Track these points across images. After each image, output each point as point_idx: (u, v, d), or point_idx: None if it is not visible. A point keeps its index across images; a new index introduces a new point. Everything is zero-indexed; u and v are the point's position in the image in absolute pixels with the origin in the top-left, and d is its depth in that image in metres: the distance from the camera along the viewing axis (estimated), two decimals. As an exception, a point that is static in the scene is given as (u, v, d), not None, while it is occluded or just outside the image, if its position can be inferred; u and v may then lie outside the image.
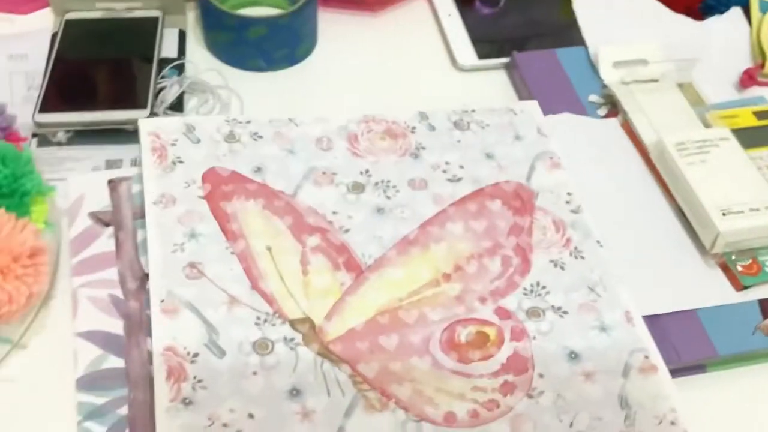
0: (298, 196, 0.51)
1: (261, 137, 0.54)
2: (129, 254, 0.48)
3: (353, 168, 0.53)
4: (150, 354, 0.44)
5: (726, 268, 0.52)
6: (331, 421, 0.41)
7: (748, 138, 0.58)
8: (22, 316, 0.46)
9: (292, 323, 0.45)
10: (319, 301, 0.46)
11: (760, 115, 0.61)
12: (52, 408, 0.43)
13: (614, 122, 0.61)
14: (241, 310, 0.45)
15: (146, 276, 0.47)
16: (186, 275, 0.46)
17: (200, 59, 0.63)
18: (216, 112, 0.59)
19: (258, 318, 0.45)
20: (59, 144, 0.55)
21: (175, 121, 0.54)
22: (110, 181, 0.51)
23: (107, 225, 0.50)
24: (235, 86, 0.61)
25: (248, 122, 0.54)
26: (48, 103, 0.56)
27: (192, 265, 0.46)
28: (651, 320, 0.48)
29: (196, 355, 0.43)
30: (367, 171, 0.53)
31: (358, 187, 0.52)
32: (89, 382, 0.43)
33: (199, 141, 0.53)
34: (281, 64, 0.64)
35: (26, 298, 0.45)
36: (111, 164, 0.55)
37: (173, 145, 0.52)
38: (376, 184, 0.53)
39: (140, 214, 0.49)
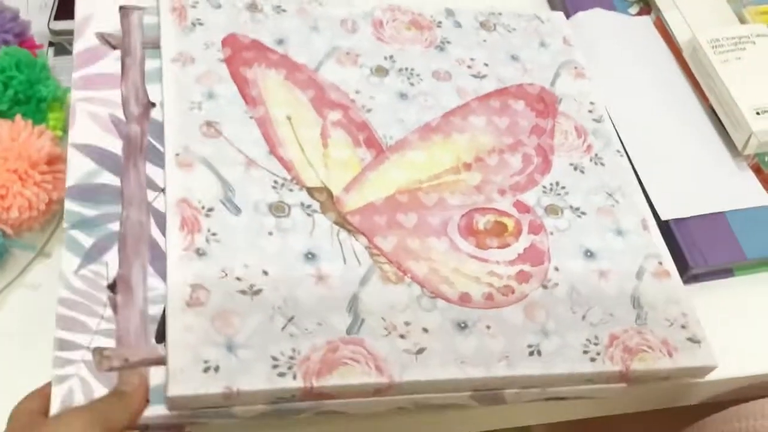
0: (321, 72, 0.49)
1: (284, 11, 0.52)
2: (135, 80, 0.46)
3: (377, 52, 0.52)
4: (148, 178, 0.42)
5: (759, 170, 0.51)
6: (345, 287, 0.40)
7: (786, 34, 0.56)
8: (43, 223, 0.45)
9: (310, 191, 0.44)
10: (338, 172, 0.45)
11: (800, 10, 0.59)
12: None
13: (646, 20, 0.59)
14: (257, 172, 0.43)
15: (151, 104, 0.45)
16: (203, 133, 0.44)
17: None
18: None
19: (275, 182, 0.43)
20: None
21: (196, -16, 0.51)
22: (121, 8, 0.49)
23: (114, 48, 0.47)
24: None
25: (269, -5, 0.52)
26: (63, 10, 0.54)
27: (209, 123, 0.45)
28: (678, 223, 0.48)
29: (210, 209, 0.41)
30: (391, 57, 0.52)
31: (381, 71, 0.51)
32: (80, 192, 0.41)
33: (219, 6, 0.50)
34: None
35: (45, 204, 0.44)
36: None
37: (193, 7, 0.50)
38: (400, 70, 0.51)
39: (150, 45, 0.47)
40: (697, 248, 0.47)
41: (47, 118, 0.48)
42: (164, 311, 0.38)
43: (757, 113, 0.51)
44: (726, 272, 0.48)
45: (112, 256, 0.40)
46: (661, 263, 0.47)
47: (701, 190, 0.50)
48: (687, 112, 0.54)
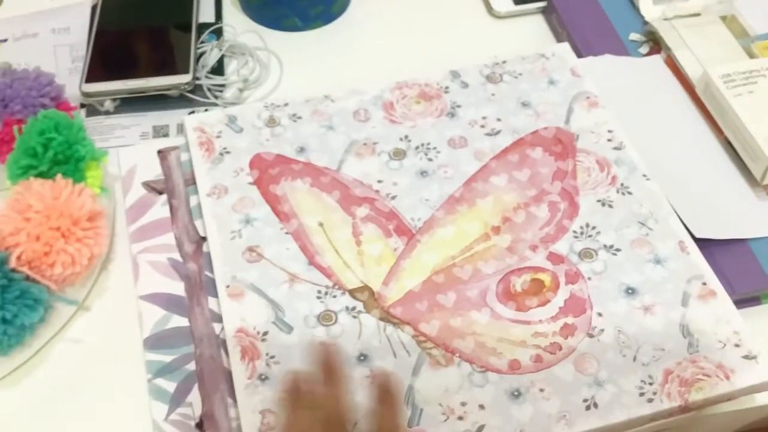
0: (343, 170, 0.53)
1: (300, 118, 0.55)
2: (183, 219, 0.51)
3: (392, 135, 0.54)
4: (212, 312, 0.46)
5: None
6: (400, 381, 0.43)
7: (796, 67, 0.57)
8: (84, 278, 0.48)
9: (352, 293, 0.47)
10: (374, 268, 0.48)
11: (807, 43, 0.59)
12: (118, 367, 0.46)
13: (657, 59, 0.60)
14: (301, 286, 0.47)
15: (202, 239, 0.49)
16: (246, 259, 0.48)
17: (237, 22, 0.65)
18: (256, 73, 0.61)
19: (319, 291, 0.47)
20: (107, 113, 0.58)
21: (217, 113, 0.56)
22: (160, 151, 0.54)
23: (160, 193, 0.52)
24: (273, 47, 0.63)
25: (286, 105, 0.56)
26: (93, 73, 0.58)
27: (251, 249, 0.49)
28: (703, 254, 0.48)
29: (265, 333, 0.45)
30: (406, 136, 0.54)
31: (399, 153, 0.54)
32: (156, 341, 0.46)
33: (242, 130, 0.55)
34: (317, 21, 0.65)
35: (88, 259, 0.46)
36: (158, 130, 0.57)
37: (218, 137, 0.54)
38: (417, 147, 0.54)
39: (191, 181, 0.52)
40: (724, 277, 0.47)
41: (85, 176, 0.50)
42: None
43: None
44: (753, 300, 0.49)
45: (194, 396, 0.44)
46: (705, 283, 0.47)
47: (726, 218, 0.51)
48: (704, 146, 0.55)
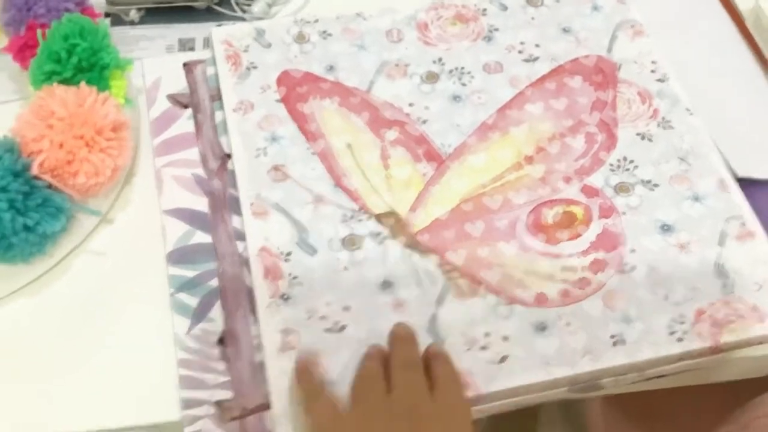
0: (373, 91, 0.51)
1: (330, 35, 0.53)
2: (208, 135, 0.49)
3: (426, 57, 0.52)
4: (236, 231, 0.46)
5: None
6: (423, 310, 0.42)
7: None
8: (107, 190, 0.47)
9: (378, 218, 0.46)
10: (402, 193, 0.47)
11: None
12: (141, 281, 0.45)
13: None
14: (327, 208, 0.46)
15: (227, 156, 0.48)
16: (272, 178, 0.47)
17: None
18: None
19: (344, 215, 0.46)
20: (132, 23, 0.56)
21: (244, 26, 0.54)
22: (185, 64, 0.52)
23: (185, 107, 0.51)
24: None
25: (316, 21, 0.54)
26: None
27: (276, 167, 0.47)
28: (744, 194, 0.46)
29: (289, 253, 0.44)
30: (440, 59, 0.52)
31: (432, 77, 0.51)
32: (179, 256, 0.45)
33: (270, 45, 0.53)
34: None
35: (111, 170, 0.45)
36: (184, 43, 0.56)
37: (245, 51, 0.52)
38: (450, 71, 0.52)
39: (217, 96, 0.50)
40: (765, 218, 0.45)
41: (110, 85, 0.48)
42: None
43: None
44: None
45: (217, 312, 0.44)
46: (744, 224, 0.45)
47: None
48: (751, 81, 0.52)
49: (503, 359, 0.41)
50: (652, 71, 0.52)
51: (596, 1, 0.55)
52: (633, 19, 0.54)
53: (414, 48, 0.53)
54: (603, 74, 0.52)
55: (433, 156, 0.48)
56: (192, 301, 0.44)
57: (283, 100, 0.50)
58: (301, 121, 0.49)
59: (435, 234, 0.45)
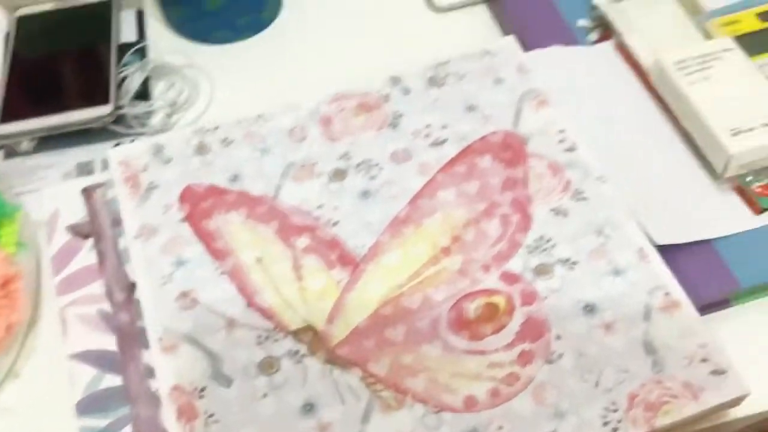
0: (280, 197, 0.49)
1: (232, 142, 0.52)
2: (112, 265, 0.47)
3: (331, 154, 0.51)
4: (148, 368, 0.43)
5: (742, 192, 0.49)
6: (349, 430, 0.41)
7: (754, 44, 0.53)
8: (6, 347, 0.45)
9: (295, 334, 0.44)
10: (318, 304, 0.45)
11: (764, 15, 0.56)
12: None
13: (608, 46, 0.57)
14: (240, 331, 0.44)
15: (133, 285, 0.46)
16: (180, 306, 0.45)
17: (163, 40, 0.60)
18: (185, 94, 0.57)
19: (259, 336, 0.44)
20: (26, 153, 0.54)
21: (142, 144, 0.52)
22: (84, 190, 0.50)
23: (87, 237, 0.49)
24: (202, 63, 0.59)
25: (216, 128, 0.52)
26: (7, 112, 0.54)
27: (184, 294, 0.45)
28: (666, 260, 0.45)
29: (203, 389, 0.42)
30: (346, 154, 0.51)
31: (339, 174, 0.50)
32: (89, 404, 0.43)
33: (170, 160, 0.51)
34: (247, 32, 0.61)
35: (4, 329, 0.43)
36: (82, 167, 0.54)
37: (144, 170, 0.50)
38: (358, 165, 0.51)
39: (119, 221, 0.48)
40: (689, 283, 0.45)
41: None
42: None
43: (733, 134, 0.48)
44: (723, 303, 0.46)
45: (131, 461, 0.42)
46: (668, 293, 0.45)
47: (688, 217, 0.48)
48: (661, 139, 0.52)
49: (436, 476, 0.39)
50: (560, 141, 0.51)
51: (498, 74, 0.54)
52: (536, 89, 0.53)
53: (318, 145, 0.51)
54: (512, 150, 0.51)
55: (347, 260, 0.47)
56: None
57: (187, 218, 0.48)
58: (207, 239, 0.48)
59: (355, 345, 0.44)
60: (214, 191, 0.49)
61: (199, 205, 0.49)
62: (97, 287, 0.47)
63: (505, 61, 0.55)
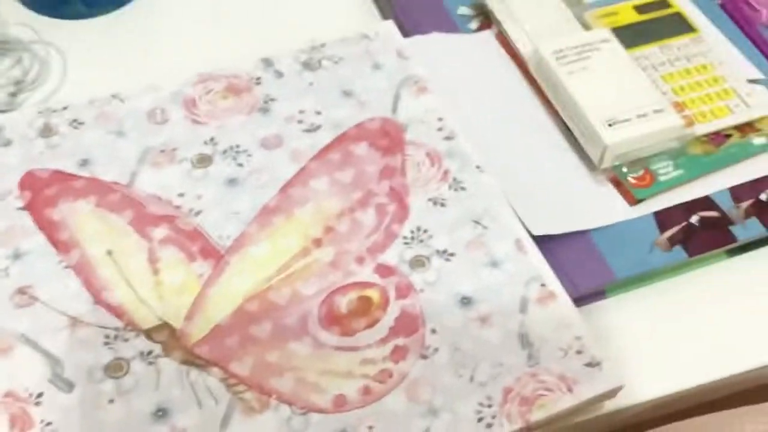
0: (136, 184, 0.45)
1: (82, 123, 0.47)
2: None
3: (196, 138, 0.47)
4: None
5: (618, 183, 0.48)
6: (206, 437, 0.37)
7: (630, 36, 0.54)
8: None
9: (148, 333, 0.40)
10: (175, 300, 0.41)
11: (640, 8, 0.56)
12: None
13: (488, 35, 0.56)
14: (85, 330, 0.39)
15: None
16: (16, 304, 0.40)
17: (7, 12, 0.54)
18: (33, 73, 0.52)
19: (107, 336, 0.39)
20: None
21: (-22, 123, 0.46)
22: None
23: None
24: (54, 39, 0.53)
25: (65, 108, 0.47)
26: None
27: (21, 290, 0.40)
28: (543, 251, 0.44)
29: (40, 395, 0.37)
30: (212, 139, 0.47)
31: (204, 160, 0.46)
32: None
33: (9, 142, 0.46)
34: (105, 7, 0.56)
35: None
36: None
37: (-20, 153, 0.45)
38: (225, 152, 0.47)
39: None
40: (566, 274, 0.44)
41: None
42: None
43: (609, 125, 0.48)
44: (598, 294, 0.45)
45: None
46: (544, 285, 0.43)
47: (565, 208, 0.47)
48: (540, 129, 0.51)
49: (300, 484, 0.36)
50: (439, 129, 0.49)
51: (377, 59, 0.52)
52: (416, 75, 0.51)
53: (181, 128, 0.47)
54: (389, 137, 0.49)
55: (209, 252, 0.43)
56: None
57: (28, 206, 0.43)
58: (50, 229, 0.43)
59: (216, 343, 0.40)
60: (60, 177, 0.45)
61: (42, 192, 0.44)
62: None
63: (383, 46, 0.53)
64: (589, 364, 0.41)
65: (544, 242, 0.45)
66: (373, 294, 0.43)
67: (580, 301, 0.43)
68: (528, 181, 0.48)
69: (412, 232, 0.45)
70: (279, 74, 0.51)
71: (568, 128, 0.51)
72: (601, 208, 0.47)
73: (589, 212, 0.46)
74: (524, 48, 0.54)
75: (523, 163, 0.49)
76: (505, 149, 0.50)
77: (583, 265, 0.45)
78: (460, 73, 0.53)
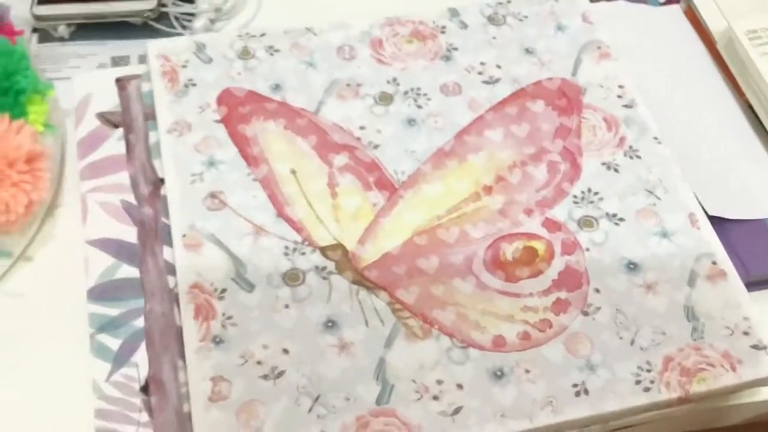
0: (322, 113, 0.47)
1: (278, 51, 0.49)
2: (141, 157, 0.45)
3: (379, 77, 0.49)
4: (167, 264, 0.42)
5: None
6: (370, 353, 0.39)
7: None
8: (22, 227, 0.43)
9: (323, 251, 0.42)
10: (350, 224, 0.43)
11: None
12: (62, 322, 0.41)
13: (676, 9, 0.55)
14: (267, 239, 0.42)
15: (161, 181, 0.44)
16: (207, 207, 0.43)
17: None
18: (231, 2, 0.54)
19: (286, 247, 0.42)
20: (62, 39, 0.52)
21: (184, 40, 0.50)
22: (118, 80, 0.48)
23: (116, 126, 0.47)
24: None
25: (263, 35, 0.50)
26: None
27: (213, 195, 0.43)
28: (716, 232, 0.43)
29: (223, 291, 0.40)
30: (395, 80, 0.49)
31: (386, 98, 0.48)
32: (101, 292, 0.41)
33: (211, 60, 0.49)
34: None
35: (25, 206, 0.42)
36: (117, 61, 0.52)
37: (184, 66, 0.48)
38: (406, 93, 0.48)
39: (152, 115, 0.46)
40: (738, 257, 0.43)
41: (27, 111, 0.44)
42: None
43: None
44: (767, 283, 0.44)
45: (141, 356, 0.40)
46: (715, 263, 0.43)
47: (743, 193, 0.46)
48: (722, 108, 0.50)
49: (457, 411, 0.37)
50: (619, 96, 0.49)
51: (561, 21, 0.52)
52: (599, 40, 0.51)
53: (367, 67, 0.49)
54: (567, 99, 0.49)
55: (384, 184, 0.45)
56: (114, 343, 0.40)
57: (224, 120, 0.46)
58: (242, 144, 0.45)
59: (385, 269, 0.41)
60: (254, 97, 0.47)
61: (237, 110, 0.47)
62: (122, 177, 0.45)
63: (569, 8, 0.53)
64: (755, 347, 0.40)
65: (718, 222, 0.44)
66: (539, 246, 0.43)
67: (748, 287, 0.42)
68: (706, 159, 0.47)
69: (583, 192, 0.45)
70: (463, 25, 0.52)
71: (753, 111, 0.49)
72: None
73: (766, 199, 0.45)
74: (714, 25, 0.52)
75: (702, 140, 0.48)
76: (685, 125, 0.49)
77: (756, 250, 0.44)
78: (643, 43, 0.53)
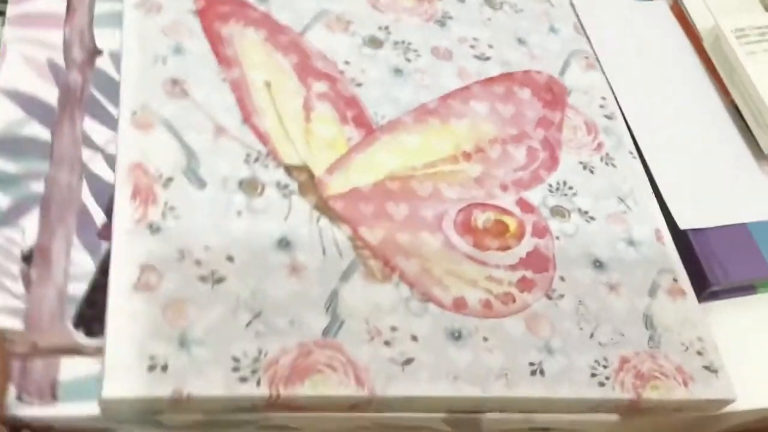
0: (307, 36, 0.43)
1: (270, -35, 0.45)
2: (81, 22, 0.40)
3: (371, 20, 0.46)
4: (85, 134, 0.36)
5: None
6: (324, 283, 0.34)
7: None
8: None
9: (288, 169, 0.37)
10: (321, 152, 0.39)
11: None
12: None
13: (662, 5, 0.54)
14: (228, 142, 0.37)
15: (97, 51, 0.39)
16: (166, 91, 0.38)
17: None
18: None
19: (248, 155, 0.37)
20: None
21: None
22: None
23: None
24: None
25: (258, -56, 0.46)
26: None
27: (174, 81, 0.38)
28: (696, 234, 0.43)
29: (170, 179, 0.35)
30: (386, 27, 0.46)
31: (375, 42, 0.45)
32: (4, 144, 0.35)
33: (197, -48, 0.44)
34: None
35: None
36: None
37: (166, -53, 0.43)
38: (396, 43, 0.45)
39: None
40: (718, 262, 0.42)
41: None
42: (89, 291, 0.31)
43: None
44: (748, 289, 0.44)
45: (31, 221, 0.33)
46: (676, 280, 0.41)
47: (722, 198, 0.45)
48: (707, 108, 0.49)
49: (408, 361, 0.33)
50: (601, 106, 0.48)
51: (554, 24, 0.51)
52: (587, 51, 0.51)
53: (360, 7, 0.46)
54: (553, 94, 0.47)
55: (362, 123, 0.41)
56: (3, 200, 0.33)
57: (200, 12, 0.41)
58: (216, 41, 0.41)
59: (351, 204, 0.37)
60: (238, 1, 0.43)
61: (217, 7, 0.42)
62: (55, 37, 0.39)
63: (563, 14, 0.52)
64: (707, 368, 0.39)
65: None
66: (511, 222, 0.40)
67: (728, 292, 0.41)
68: (687, 165, 0.46)
69: (558, 183, 0.43)
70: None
71: (738, 111, 0.49)
72: (764, 199, 0.45)
73: (750, 203, 0.44)
74: (701, 22, 0.52)
75: (683, 141, 0.47)
76: (668, 128, 0.47)
77: (737, 255, 0.43)
78: (627, 39, 0.51)
